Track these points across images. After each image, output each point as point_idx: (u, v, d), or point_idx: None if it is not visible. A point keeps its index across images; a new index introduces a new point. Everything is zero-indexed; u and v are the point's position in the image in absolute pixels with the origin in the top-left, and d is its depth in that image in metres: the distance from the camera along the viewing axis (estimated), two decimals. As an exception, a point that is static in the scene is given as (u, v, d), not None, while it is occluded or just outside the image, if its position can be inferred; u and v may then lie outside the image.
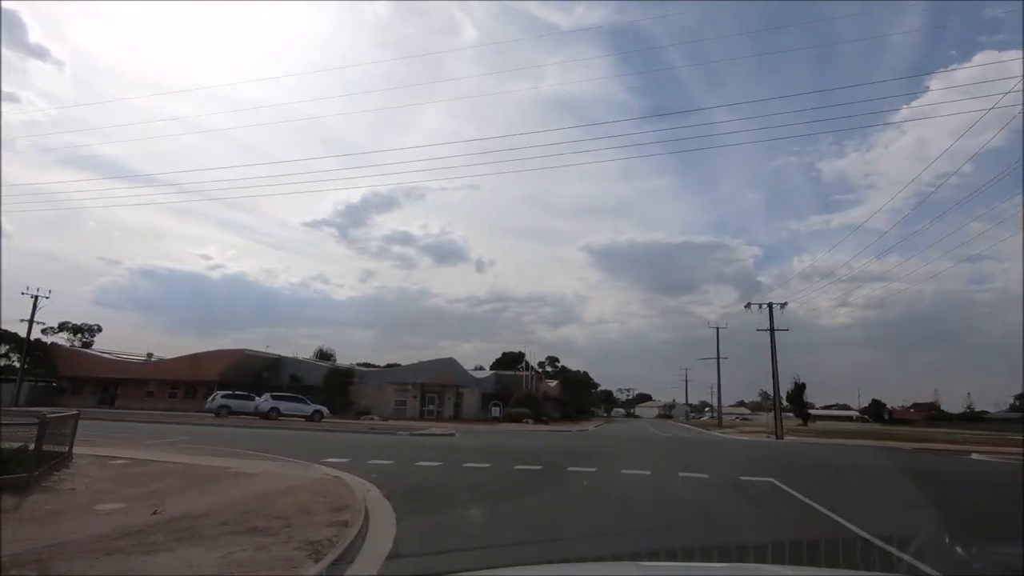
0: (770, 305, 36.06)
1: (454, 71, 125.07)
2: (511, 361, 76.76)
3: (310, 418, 34.15)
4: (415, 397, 47.24)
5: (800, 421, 71.49)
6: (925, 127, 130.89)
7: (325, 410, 35.03)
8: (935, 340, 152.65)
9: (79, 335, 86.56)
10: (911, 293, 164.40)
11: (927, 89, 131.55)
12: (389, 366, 59.92)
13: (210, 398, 34.63)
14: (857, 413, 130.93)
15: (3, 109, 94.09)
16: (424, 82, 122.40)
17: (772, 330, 35.65)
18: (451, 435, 23.62)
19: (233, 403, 34.19)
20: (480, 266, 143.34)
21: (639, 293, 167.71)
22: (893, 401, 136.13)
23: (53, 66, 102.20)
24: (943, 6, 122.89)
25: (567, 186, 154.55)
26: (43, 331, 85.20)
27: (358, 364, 57.26)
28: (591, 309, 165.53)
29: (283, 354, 49.86)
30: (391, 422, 38.23)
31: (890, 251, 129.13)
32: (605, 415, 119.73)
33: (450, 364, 47.46)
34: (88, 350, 52.19)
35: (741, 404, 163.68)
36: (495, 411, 49.23)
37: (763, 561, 5.30)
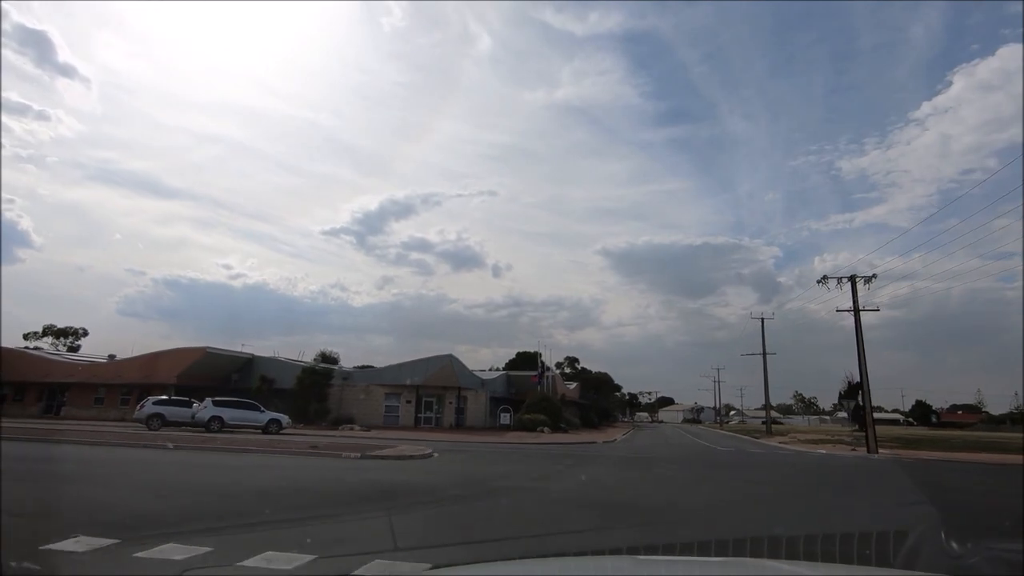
0: (852, 279, 27.93)
1: (470, 80, 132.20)
2: (526, 362, 68.62)
3: (265, 429, 26.94)
4: (409, 402, 39.80)
5: (856, 426, 62.80)
6: (948, 123, 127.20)
7: (285, 419, 27.77)
8: (964, 339, 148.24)
9: (64, 339, 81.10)
10: (937, 292, 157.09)
11: (950, 84, 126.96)
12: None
13: (139, 405, 27.54)
14: (902, 417, 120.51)
15: (34, 127, 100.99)
16: (441, 90, 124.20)
17: (857, 310, 27.51)
18: (426, 456, 16.05)
19: (168, 411, 27.10)
20: (497, 271, 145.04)
21: (657, 296, 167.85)
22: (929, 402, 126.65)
23: (81, 84, 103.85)
24: (963, 6, 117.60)
25: (583, 190, 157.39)
26: (25, 336, 79.41)
27: (356, 367, 50.07)
28: (609, 312, 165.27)
29: (257, 353, 42.84)
30: (374, 433, 30.88)
31: (914, 249, 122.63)
32: (628, 420, 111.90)
33: (450, 362, 39.97)
34: (33, 351, 45.65)
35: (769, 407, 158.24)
36: (505, 418, 41.58)
37: None
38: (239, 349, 43.63)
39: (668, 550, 5.03)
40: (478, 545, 6.03)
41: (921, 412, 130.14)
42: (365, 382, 40.17)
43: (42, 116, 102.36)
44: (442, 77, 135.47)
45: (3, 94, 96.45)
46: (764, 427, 69.51)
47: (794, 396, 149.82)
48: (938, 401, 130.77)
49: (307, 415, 35.38)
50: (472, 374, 46.37)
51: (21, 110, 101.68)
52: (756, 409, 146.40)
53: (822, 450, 28.21)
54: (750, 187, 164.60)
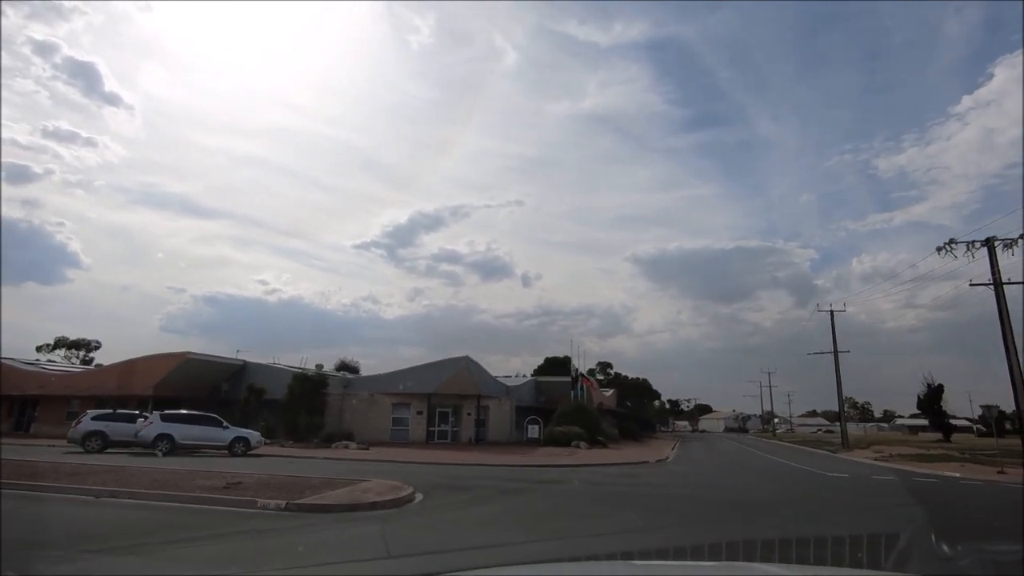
0: (990, 243, 20.84)
1: (496, 93, 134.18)
2: (556, 368, 61.78)
3: (230, 449, 21.38)
4: (420, 413, 33.88)
5: (941, 435, 54.29)
6: (991, 116, 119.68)
7: (255, 437, 22.25)
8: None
9: (77, 351, 78.26)
10: (985, 292, 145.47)
11: (991, 76, 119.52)
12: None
13: (75, 421, 22.21)
14: (980, 426, 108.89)
15: (82, 154, 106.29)
16: (467, 105, 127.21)
17: (998, 282, 20.44)
18: (398, 503, 9.96)
19: (111, 427, 21.77)
20: (527, 280, 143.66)
21: (689, 301, 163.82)
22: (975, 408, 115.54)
23: (126, 111, 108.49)
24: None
25: (611, 198, 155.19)
26: (37, 348, 76.54)
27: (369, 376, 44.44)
28: (640, 319, 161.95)
29: (249, 359, 37.55)
30: (372, 452, 25.17)
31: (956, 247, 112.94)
32: (668, 430, 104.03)
33: (466, 365, 33.99)
34: (7, 360, 41.35)
35: (814, 414, 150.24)
36: (533, 430, 35.30)
37: None
38: (232, 356, 38.55)
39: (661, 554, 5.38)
40: None
41: (996, 420, 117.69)
42: (369, 390, 34.44)
43: (90, 143, 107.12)
44: (468, 92, 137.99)
45: (54, 123, 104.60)
46: (836, 438, 61.30)
47: (846, 402, 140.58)
48: (1002, 406, 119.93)
49: (297, 429, 29.80)
50: (495, 380, 40.29)
51: (71, 138, 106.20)
52: (800, 416, 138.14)
53: (954, 472, 21.10)
54: (782, 190, 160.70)
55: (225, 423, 21.80)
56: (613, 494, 12.48)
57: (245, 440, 21.66)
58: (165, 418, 21.06)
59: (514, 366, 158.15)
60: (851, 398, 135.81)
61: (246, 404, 32.71)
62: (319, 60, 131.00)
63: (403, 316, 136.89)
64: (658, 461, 25.41)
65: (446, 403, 34.43)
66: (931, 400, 54.41)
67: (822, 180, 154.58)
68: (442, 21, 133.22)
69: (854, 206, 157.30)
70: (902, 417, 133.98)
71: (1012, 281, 20.48)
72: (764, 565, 4.05)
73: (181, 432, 20.84)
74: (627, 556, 5.14)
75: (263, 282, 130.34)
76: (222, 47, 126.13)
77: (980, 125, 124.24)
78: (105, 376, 35.36)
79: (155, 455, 19.97)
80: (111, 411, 23.02)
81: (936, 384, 54.36)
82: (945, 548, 5.89)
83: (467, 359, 34.52)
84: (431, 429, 33.73)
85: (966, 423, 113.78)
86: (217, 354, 36.98)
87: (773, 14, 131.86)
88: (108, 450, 21.30)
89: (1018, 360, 19.82)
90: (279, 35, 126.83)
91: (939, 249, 21.90)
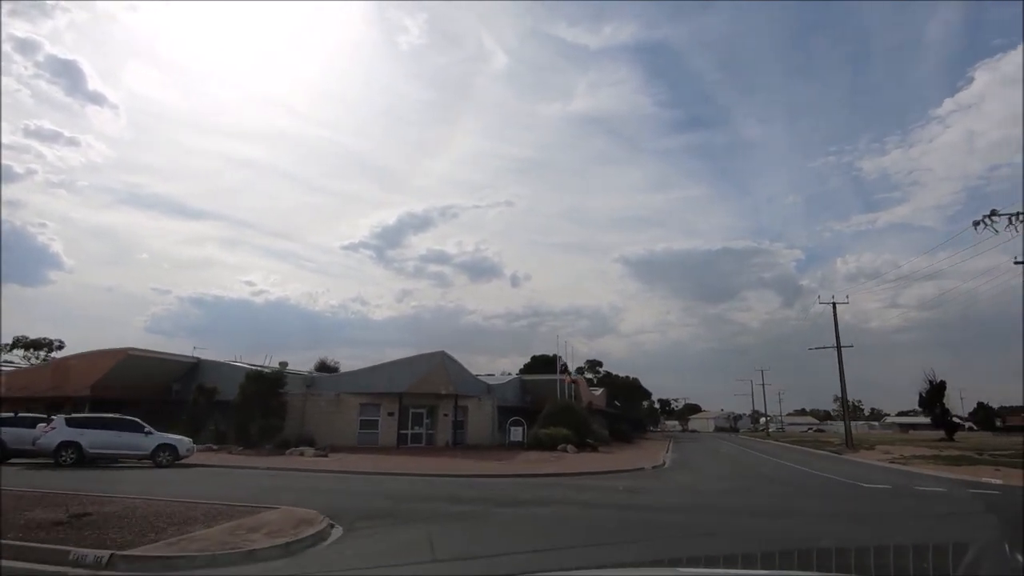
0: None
1: (487, 95, 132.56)
2: (543, 366, 58.49)
3: (154, 459, 18.03)
4: (391, 414, 30.58)
5: (944, 434, 51.85)
6: (973, 119, 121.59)
7: (185, 444, 18.89)
8: (999, 340, 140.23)
9: (36, 352, 73.87)
10: (966, 292, 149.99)
11: (971, 80, 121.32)
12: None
13: (-34, 427, 18.66)
14: (972, 424, 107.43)
15: (65, 153, 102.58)
16: (457, 106, 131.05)
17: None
18: (306, 546, 6.73)
19: (10, 433, 18.32)
20: (515, 281, 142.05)
21: (678, 302, 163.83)
22: (968, 405, 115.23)
23: (110, 111, 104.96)
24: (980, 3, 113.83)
25: (600, 199, 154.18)
26: (-4, 350, 71.82)
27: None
28: (629, 320, 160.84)
29: (205, 357, 33.96)
30: (332, 460, 22.02)
31: (939, 248, 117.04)
32: (658, 430, 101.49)
33: (441, 362, 30.76)
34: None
35: (803, 412, 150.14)
36: (516, 432, 32.17)
37: None
38: (191, 352, 34.98)
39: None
40: None
41: (983, 416, 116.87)
42: (335, 390, 31.08)
43: (72, 142, 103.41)
44: (459, 93, 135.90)
45: (36, 122, 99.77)
46: (830, 437, 58.84)
47: (835, 399, 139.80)
48: (990, 402, 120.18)
49: (248, 434, 26.41)
50: (475, 378, 37.13)
51: (53, 137, 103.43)
52: (789, 415, 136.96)
53: (993, 479, 18.32)
54: (770, 191, 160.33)
55: (148, 428, 18.37)
56: (606, 523, 9.39)
57: (171, 448, 18.28)
58: (72, 423, 17.60)
59: (503, 366, 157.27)
60: (836, 396, 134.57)
61: (195, 406, 29.29)
62: (309, 61, 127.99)
63: (392, 317, 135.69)
64: (655, 468, 22.42)
65: (420, 403, 31.18)
66: (933, 397, 52.08)
67: (808, 181, 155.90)
68: (432, 23, 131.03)
69: (839, 207, 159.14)
70: (889, 415, 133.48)
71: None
72: (802, 573, 3.82)
73: (91, 439, 17.41)
74: None
75: (250, 283, 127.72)
76: (209, 47, 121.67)
77: (962, 128, 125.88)
78: (36, 376, 31.71)
79: (58, 466, 16.60)
80: (12, 415, 19.52)
81: (939, 381, 52.06)
82: None
83: (443, 354, 31.31)
84: (403, 432, 30.44)
85: (957, 420, 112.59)
86: (169, 351, 33.45)
87: (761, 17, 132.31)
88: (11, 460, 17.88)
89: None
90: (268, 35, 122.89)
91: (976, 224, 19.11)
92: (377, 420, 30.55)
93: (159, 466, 17.97)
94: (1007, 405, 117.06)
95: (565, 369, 45.16)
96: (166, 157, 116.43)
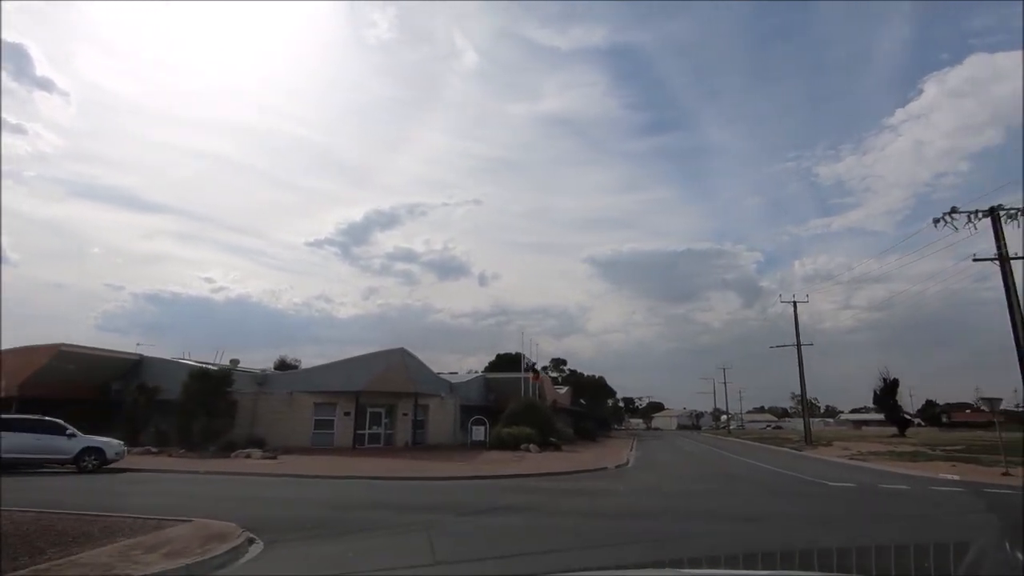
0: (994, 212, 18.22)
1: (456, 93, 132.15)
2: (508, 365, 57.73)
3: (77, 463, 16.51)
4: (347, 414, 29.32)
5: (897, 430, 53.39)
6: (922, 128, 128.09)
7: (114, 446, 17.42)
8: (944, 340, 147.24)
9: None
10: (915, 294, 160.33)
11: (921, 92, 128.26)
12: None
13: None
14: (920, 420, 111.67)
15: (10, 141, 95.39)
16: (426, 103, 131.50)
17: (1004, 257, 17.83)
18: (216, 566, 5.73)
19: (-89, 438, 16.47)
20: (483, 280, 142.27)
21: (643, 302, 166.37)
22: (917, 402, 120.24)
23: (60, 97, 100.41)
24: (931, 15, 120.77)
25: (569, 200, 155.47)
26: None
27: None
28: (595, 319, 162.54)
29: (148, 354, 31.95)
30: (281, 463, 20.85)
31: (889, 252, 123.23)
32: (622, 428, 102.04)
33: (401, 359, 29.67)
34: None
35: (761, 410, 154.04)
36: (478, 432, 31.32)
37: None
38: (135, 348, 32.89)
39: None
40: None
41: (930, 413, 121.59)
42: (287, 389, 29.61)
43: (18, 130, 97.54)
44: (428, 91, 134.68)
45: None
46: (789, 434, 59.98)
47: (792, 397, 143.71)
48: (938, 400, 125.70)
49: (190, 435, 24.82)
50: (437, 376, 36.10)
51: None
52: (748, 413, 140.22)
53: (950, 474, 18.43)
54: (732, 194, 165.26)
55: (71, 430, 16.83)
56: (563, 533, 8.64)
57: (98, 451, 16.80)
58: (-15, 425, 15.97)
59: (470, 365, 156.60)
60: (795, 394, 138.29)
61: (135, 406, 27.49)
62: (273, 54, 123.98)
63: (357, 315, 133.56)
64: (618, 467, 21.92)
65: (378, 402, 30.01)
66: (887, 395, 53.51)
67: (769, 185, 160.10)
68: (402, 18, 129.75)
69: (797, 211, 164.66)
70: (843, 412, 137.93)
71: (1020, 256, 17.89)
72: (804, 573, 3.82)
73: (7, 443, 15.79)
74: None
75: (210, 280, 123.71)
76: (168, 37, 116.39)
77: (911, 137, 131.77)
78: (-40, 374, 29.14)
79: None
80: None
81: (892, 379, 53.53)
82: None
83: (403, 351, 30.23)
84: (360, 432, 29.21)
85: (908, 417, 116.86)
86: (113, 349, 31.36)
87: (726, 26, 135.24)
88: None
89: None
90: (230, 26, 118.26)
91: (936, 221, 19.21)
92: (333, 420, 29.25)
93: (83, 472, 16.48)
94: (952, 402, 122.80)
95: (533, 368, 44.56)
96: (121, 148, 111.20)
